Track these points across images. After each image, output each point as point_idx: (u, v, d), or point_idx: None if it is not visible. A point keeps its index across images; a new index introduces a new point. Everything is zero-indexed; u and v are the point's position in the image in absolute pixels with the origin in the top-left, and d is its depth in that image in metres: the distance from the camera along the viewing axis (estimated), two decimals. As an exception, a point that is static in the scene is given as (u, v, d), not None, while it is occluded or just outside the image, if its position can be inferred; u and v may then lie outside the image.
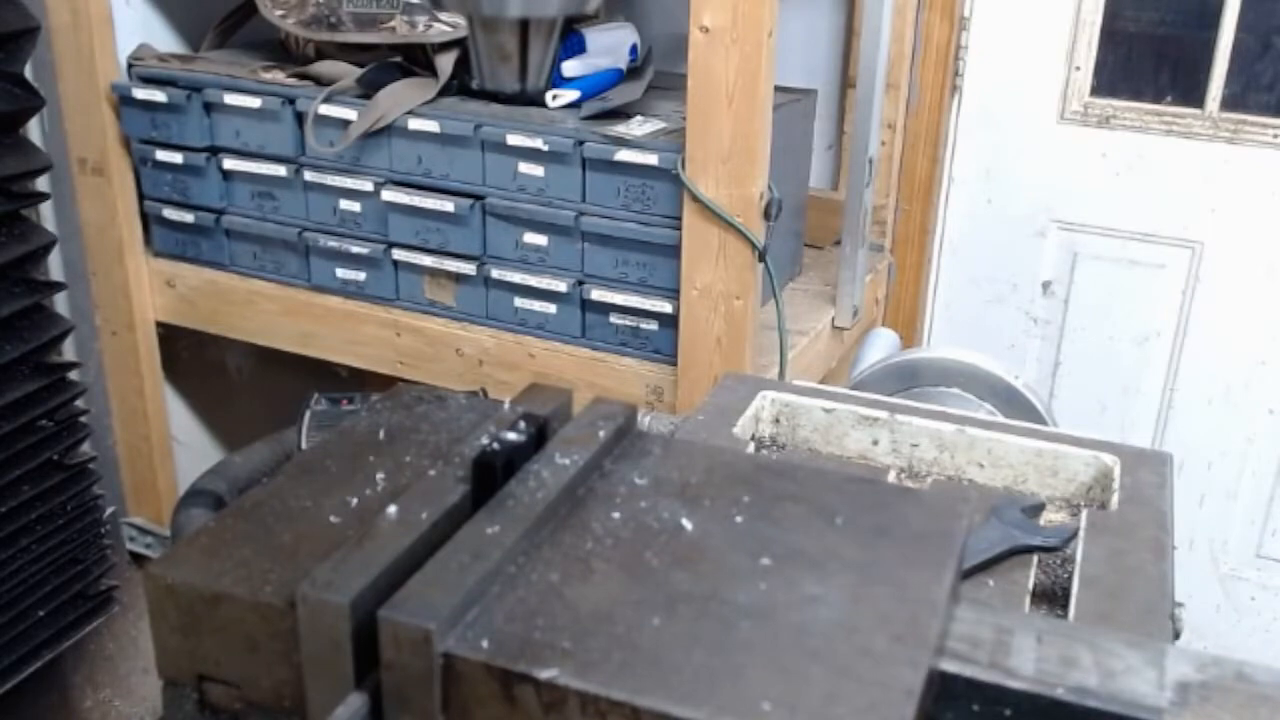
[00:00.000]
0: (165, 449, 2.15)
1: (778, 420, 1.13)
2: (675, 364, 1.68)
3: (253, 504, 0.68)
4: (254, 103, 1.84)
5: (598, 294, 1.72)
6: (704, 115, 1.52)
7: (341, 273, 1.90)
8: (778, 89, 1.58)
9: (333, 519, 0.66)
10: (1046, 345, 2.31)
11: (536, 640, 0.55)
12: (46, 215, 1.93)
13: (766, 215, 1.57)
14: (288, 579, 0.60)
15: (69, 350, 1.95)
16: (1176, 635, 0.82)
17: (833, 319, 1.95)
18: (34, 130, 1.81)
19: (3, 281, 1.68)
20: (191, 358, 2.22)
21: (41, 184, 1.81)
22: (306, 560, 0.62)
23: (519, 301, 1.79)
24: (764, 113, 1.52)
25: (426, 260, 1.82)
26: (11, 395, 1.68)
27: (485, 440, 0.70)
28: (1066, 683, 0.55)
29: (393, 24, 1.82)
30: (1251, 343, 2.16)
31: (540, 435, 0.72)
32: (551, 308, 1.77)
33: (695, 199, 1.57)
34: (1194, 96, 2.10)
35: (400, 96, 1.76)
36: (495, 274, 1.78)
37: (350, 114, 1.78)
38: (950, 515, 0.64)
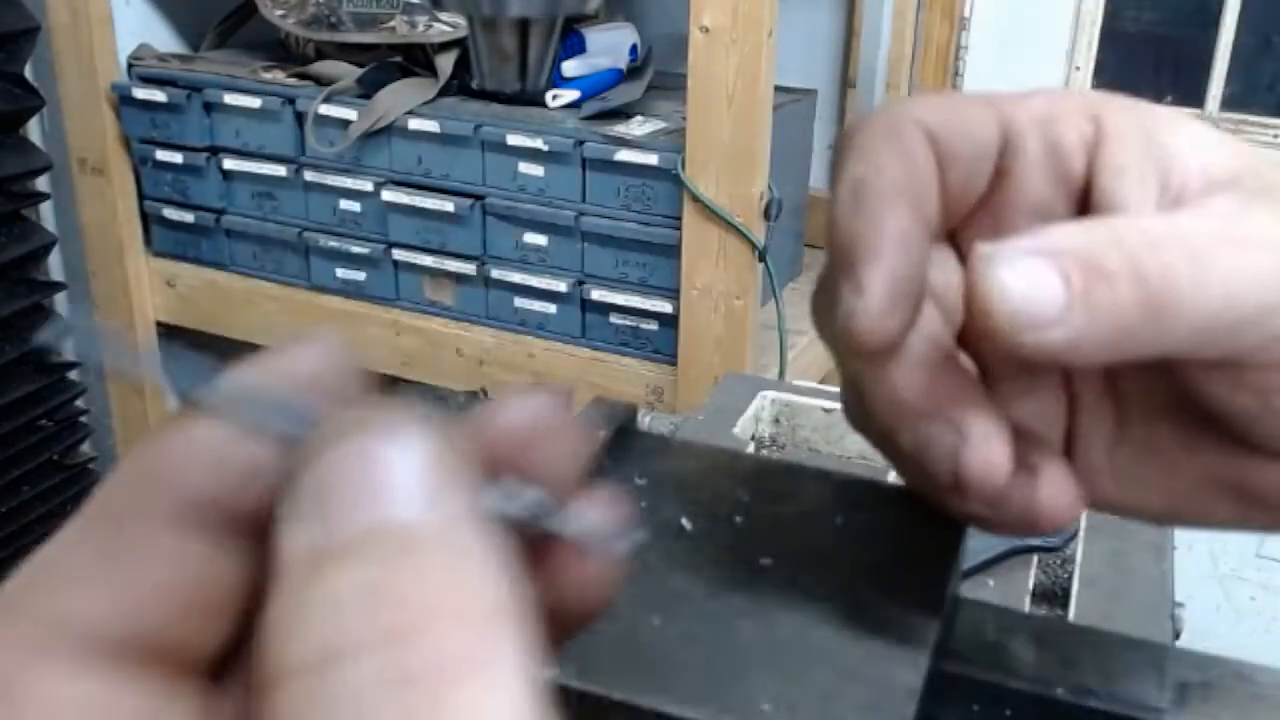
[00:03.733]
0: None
1: (778, 420, 1.13)
2: (675, 364, 1.68)
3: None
4: (254, 103, 1.84)
5: (598, 294, 1.72)
6: (704, 115, 1.52)
7: (341, 273, 1.90)
8: (778, 89, 1.58)
9: (333, 519, 0.66)
10: (1046, 345, 2.31)
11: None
12: (46, 215, 1.93)
13: (766, 215, 1.57)
14: (288, 579, 0.60)
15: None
16: (1176, 635, 0.82)
17: (833, 319, 1.94)
18: (34, 130, 1.81)
19: (3, 281, 1.68)
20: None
21: (41, 184, 1.81)
22: (306, 560, 0.61)
23: (519, 301, 1.79)
24: (764, 113, 1.52)
25: (426, 260, 1.82)
26: (11, 395, 1.68)
27: (485, 440, 0.70)
28: (1066, 683, 0.55)
29: (393, 24, 1.82)
30: (1251, 343, 2.16)
31: (540, 435, 0.72)
32: (551, 308, 1.77)
33: (695, 199, 1.57)
34: (1194, 96, 2.10)
35: (400, 96, 1.76)
36: (495, 274, 1.78)
37: (350, 114, 1.78)
38: (950, 515, 0.64)
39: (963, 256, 0.37)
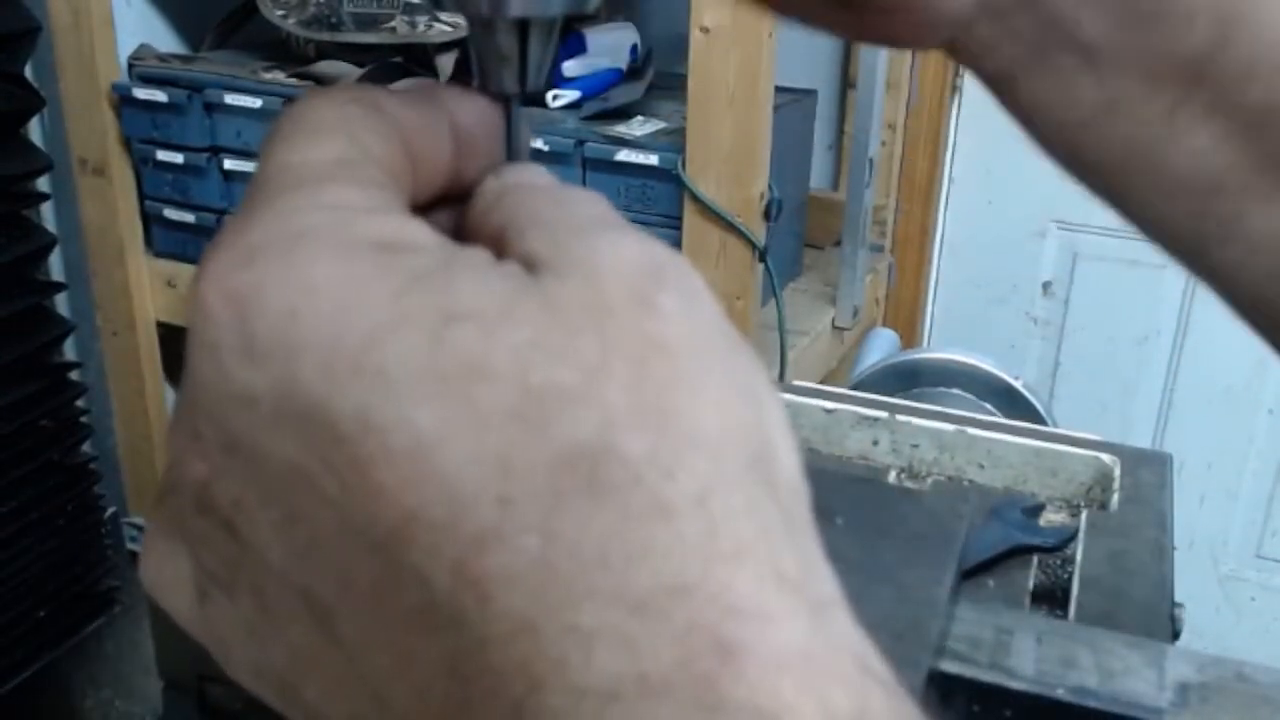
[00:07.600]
0: (166, 449, 2.15)
1: (778, 420, 1.13)
2: (675, 364, 1.68)
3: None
4: (254, 103, 1.84)
5: (598, 294, 1.72)
6: (704, 115, 1.52)
7: (342, 273, 1.90)
8: (778, 89, 1.58)
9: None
10: (1046, 345, 2.31)
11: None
12: (46, 215, 1.93)
13: (767, 215, 1.57)
14: (288, 579, 0.60)
15: (69, 350, 1.95)
16: (1176, 635, 0.82)
17: (833, 319, 1.95)
18: (34, 130, 1.81)
19: (3, 281, 1.68)
20: (192, 358, 2.22)
21: (41, 184, 1.81)
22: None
23: (519, 301, 1.79)
24: (764, 113, 1.52)
25: (427, 260, 1.82)
26: (11, 396, 1.68)
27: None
28: (1066, 683, 0.55)
29: (393, 24, 1.83)
30: (1251, 343, 2.14)
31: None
32: (552, 308, 1.77)
33: (695, 199, 1.57)
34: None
35: (400, 97, 1.76)
36: (495, 274, 1.78)
37: (350, 114, 1.77)
38: (950, 515, 0.64)
39: None
